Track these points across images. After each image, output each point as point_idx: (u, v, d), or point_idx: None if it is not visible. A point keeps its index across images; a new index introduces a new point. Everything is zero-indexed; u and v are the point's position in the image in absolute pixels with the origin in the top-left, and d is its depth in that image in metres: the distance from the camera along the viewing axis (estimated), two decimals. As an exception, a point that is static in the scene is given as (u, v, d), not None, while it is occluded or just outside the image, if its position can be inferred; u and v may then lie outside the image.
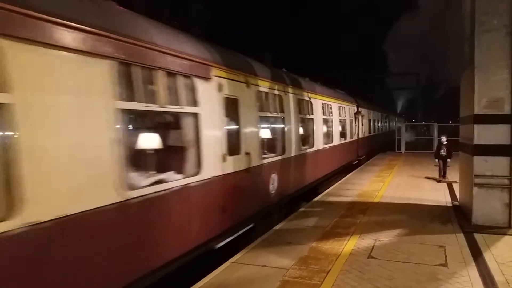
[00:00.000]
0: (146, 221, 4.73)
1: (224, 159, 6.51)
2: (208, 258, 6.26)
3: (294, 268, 5.91)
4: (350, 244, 7.02)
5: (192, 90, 5.77)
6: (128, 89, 4.52)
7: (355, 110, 19.39)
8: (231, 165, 6.79)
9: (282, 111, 9.43)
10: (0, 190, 3.19)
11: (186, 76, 5.63)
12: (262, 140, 8.46)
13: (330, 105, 14.36)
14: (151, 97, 4.90)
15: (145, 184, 4.82)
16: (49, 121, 3.52)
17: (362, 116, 20.97)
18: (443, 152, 14.21)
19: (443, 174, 14.20)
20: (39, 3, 3.51)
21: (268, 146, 9.13)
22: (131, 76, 4.57)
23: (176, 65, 5.35)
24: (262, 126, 8.47)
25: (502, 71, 7.77)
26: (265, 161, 8.34)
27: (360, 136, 20.63)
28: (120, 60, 4.32)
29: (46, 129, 3.49)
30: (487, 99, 7.90)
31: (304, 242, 7.17)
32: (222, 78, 6.63)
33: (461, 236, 7.41)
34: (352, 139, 18.46)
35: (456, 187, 11.62)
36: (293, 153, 10.08)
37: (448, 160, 14.18)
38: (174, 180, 5.30)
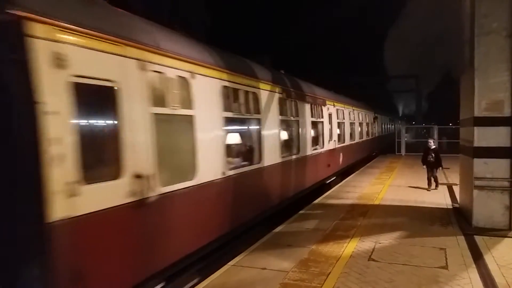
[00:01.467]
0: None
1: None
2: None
3: (294, 271, 5.89)
4: (351, 246, 7.01)
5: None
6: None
7: (374, 116, 26.83)
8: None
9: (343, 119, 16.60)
10: (191, 163, 5.69)
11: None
12: (343, 133, 16.32)
13: (362, 113, 21.89)
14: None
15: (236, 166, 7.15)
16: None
17: (377, 121, 28.21)
18: (430, 158, 12.61)
19: (435, 183, 12.71)
20: None
21: (343, 136, 16.57)
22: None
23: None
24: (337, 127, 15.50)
25: (502, 74, 7.78)
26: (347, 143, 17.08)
27: (376, 135, 28.05)
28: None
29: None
30: (487, 102, 7.90)
31: (304, 244, 7.16)
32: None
33: (461, 239, 7.39)
34: (372, 137, 25.87)
35: (456, 189, 11.60)
36: (347, 143, 17.20)
37: (439, 168, 12.76)
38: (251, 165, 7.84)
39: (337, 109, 15.22)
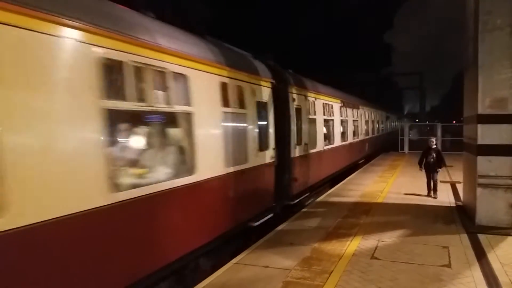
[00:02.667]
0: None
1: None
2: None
3: (296, 269, 5.89)
4: (353, 245, 7.00)
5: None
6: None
7: (387, 116, 34.77)
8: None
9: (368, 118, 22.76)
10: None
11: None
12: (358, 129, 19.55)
13: (379, 113, 28.97)
14: None
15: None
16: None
17: (389, 120, 36.19)
18: (431, 158, 10.99)
19: (433, 188, 11.12)
20: None
21: (360, 132, 20.00)
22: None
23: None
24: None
25: (506, 71, 7.73)
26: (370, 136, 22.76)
27: (387, 131, 34.15)
28: None
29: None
30: (490, 99, 7.86)
31: (307, 243, 7.15)
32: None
33: (464, 237, 7.37)
34: (384, 133, 31.67)
35: (459, 187, 11.56)
36: (370, 136, 23.25)
37: (438, 170, 11.10)
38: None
39: (365, 111, 21.99)
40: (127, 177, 4.64)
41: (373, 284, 5.32)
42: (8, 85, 3.22)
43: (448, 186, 12.89)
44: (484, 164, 7.96)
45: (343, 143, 16.06)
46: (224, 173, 6.57)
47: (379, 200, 10.85)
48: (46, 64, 3.56)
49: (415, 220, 8.59)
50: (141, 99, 4.67)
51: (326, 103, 13.47)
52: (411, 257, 6.29)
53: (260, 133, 8.15)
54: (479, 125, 7.99)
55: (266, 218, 8.20)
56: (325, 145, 13.27)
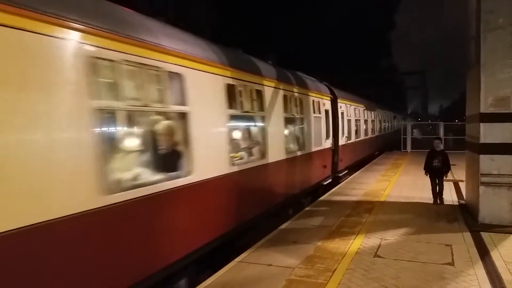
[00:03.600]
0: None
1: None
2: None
3: (300, 267, 5.92)
4: (356, 243, 7.03)
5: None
6: None
7: (394, 116, 40.16)
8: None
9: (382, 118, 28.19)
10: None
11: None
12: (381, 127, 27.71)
13: (389, 114, 35.03)
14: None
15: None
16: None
17: (396, 119, 40.97)
18: (436, 162, 10.02)
19: (438, 194, 10.13)
20: None
21: (376, 129, 25.20)
22: None
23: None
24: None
25: (508, 69, 7.74)
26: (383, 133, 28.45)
27: (394, 129, 38.03)
28: None
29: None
30: (493, 98, 7.87)
31: (310, 241, 7.18)
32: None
33: (468, 235, 7.38)
34: (392, 131, 36.12)
35: (462, 186, 11.56)
36: (383, 133, 28.37)
37: (444, 176, 10.16)
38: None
39: (379, 112, 27.61)
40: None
41: (376, 282, 5.35)
42: None
43: (451, 184, 12.89)
44: (487, 162, 7.96)
45: (365, 137, 21.55)
46: (312, 151, 11.55)
47: (382, 199, 10.87)
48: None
49: (418, 219, 8.60)
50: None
51: (356, 108, 18.75)
52: (414, 255, 6.32)
53: (327, 128, 13.36)
54: (481, 124, 7.99)
55: (328, 181, 13.40)
56: (355, 138, 18.43)
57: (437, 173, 10.01)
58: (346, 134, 16.05)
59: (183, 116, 5.51)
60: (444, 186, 10.35)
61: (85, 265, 3.82)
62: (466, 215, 8.79)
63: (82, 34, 3.88)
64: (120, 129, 4.83)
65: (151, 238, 4.79)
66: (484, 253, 6.44)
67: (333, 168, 14.15)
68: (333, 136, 14.02)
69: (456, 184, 12.83)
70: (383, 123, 30.25)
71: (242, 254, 6.61)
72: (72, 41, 3.78)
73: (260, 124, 8.39)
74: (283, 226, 8.37)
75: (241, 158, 7.59)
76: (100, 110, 4.03)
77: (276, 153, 8.82)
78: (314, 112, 11.70)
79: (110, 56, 4.24)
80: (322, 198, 11.38)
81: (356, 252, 6.56)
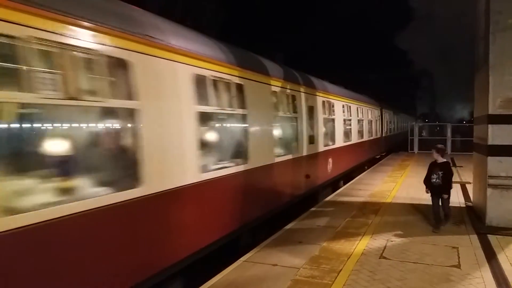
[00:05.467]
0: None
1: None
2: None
3: (305, 268, 5.92)
4: (362, 244, 7.01)
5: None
6: None
7: (406, 117, 44.88)
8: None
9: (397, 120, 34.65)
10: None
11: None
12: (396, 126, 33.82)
13: (404, 116, 43.09)
14: None
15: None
16: None
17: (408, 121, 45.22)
18: (435, 178, 7.88)
19: (444, 217, 8.11)
20: None
21: (398, 128, 34.83)
22: None
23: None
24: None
25: (517, 71, 7.67)
26: (396, 132, 33.86)
27: (406, 130, 38.90)
28: None
29: None
30: (501, 99, 7.81)
31: (315, 241, 7.18)
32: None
33: (474, 238, 7.33)
34: (405, 130, 36.82)
35: (469, 188, 11.48)
36: (400, 131, 35.99)
37: (445, 196, 7.89)
38: None
39: (400, 116, 36.69)
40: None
41: (381, 283, 5.33)
42: None
43: (458, 186, 12.80)
44: (495, 164, 7.90)
45: (393, 133, 30.67)
46: (362, 140, 16.65)
47: (388, 200, 10.82)
48: None
49: (424, 220, 8.56)
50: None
51: (389, 113, 28.22)
52: (420, 257, 6.29)
53: (382, 127, 23.22)
54: (489, 126, 7.93)
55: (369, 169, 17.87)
56: (389, 133, 28.28)
57: (436, 192, 7.99)
58: (385, 132, 23.99)
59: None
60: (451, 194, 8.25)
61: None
62: (473, 217, 8.73)
63: None
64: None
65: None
66: (491, 256, 6.39)
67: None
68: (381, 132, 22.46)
69: (463, 186, 12.74)
70: (401, 123, 37.05)
71: (248, 254, 6.62)
72: None
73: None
74: (288, 226, 8.37)
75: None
76: None
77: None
78: (369, 117, 18.53)
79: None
80: (328, 198, 11.35)
81: (362, 253, 6.55)
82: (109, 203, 4.06)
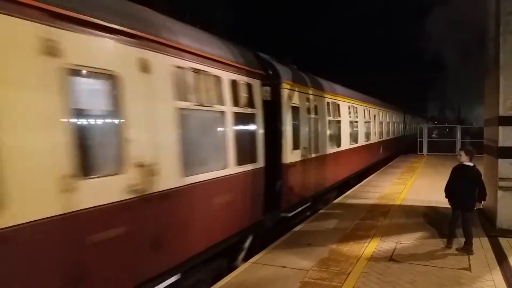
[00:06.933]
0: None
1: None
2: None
3: (314, 270, 5.93)
4: (371, 246, 6.99)
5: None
6: None
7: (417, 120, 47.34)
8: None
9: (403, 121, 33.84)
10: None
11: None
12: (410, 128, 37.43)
13: (417, 119, 45.81)
14: None
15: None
16: None
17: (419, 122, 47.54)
18: (462, 185, 6.61)
19: (465, 239, 6.66)
20: None
21: (410, 129, 37.15)
22: None
23: None
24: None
25: (528, 72, 7.61)
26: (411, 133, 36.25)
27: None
28: None
29: None
30: (512, 101, 7.75)
31: (324, 244, 7.17)
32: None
33: (485, 240, 7.28)
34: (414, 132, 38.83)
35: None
36: (412, 133, 35.37)
37: (476, 206, 6.71)
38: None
39: (414, 119, 41.19)
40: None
41: (391, 286, 5.32)
42: None
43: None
44: (505, 166, 7.84)
45: (408, 134, 34.08)
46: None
47: (398, 202, 10.77)
48: None
49: (434, 223, 8.51)
50: None
51: (408, 117, 34.64)
52: (430, 260, 6.26)
53: (404, 129, 31.83)
54: (500, 127, 7.87)
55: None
56: (405, 133, 32.47)
57: (462, 202, 6.64)
58: (403, 132, 30.58)
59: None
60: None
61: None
62: (484, 220, 8.65)
63: None
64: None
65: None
66: (501, 258, 6.34)
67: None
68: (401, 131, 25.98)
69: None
70: (413, 125, 38.58)
71: (257, 255, 6.65)
72: None
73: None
74: (297, 228, 8.37)
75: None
76: None
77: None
78: (390, 121, 23.41)
79: None
80: (336, 201, 11.33)
81: (371, 255, 6.53)
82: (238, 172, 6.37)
